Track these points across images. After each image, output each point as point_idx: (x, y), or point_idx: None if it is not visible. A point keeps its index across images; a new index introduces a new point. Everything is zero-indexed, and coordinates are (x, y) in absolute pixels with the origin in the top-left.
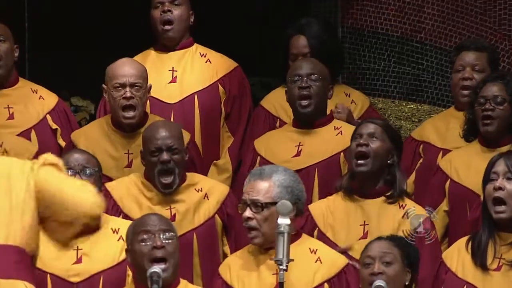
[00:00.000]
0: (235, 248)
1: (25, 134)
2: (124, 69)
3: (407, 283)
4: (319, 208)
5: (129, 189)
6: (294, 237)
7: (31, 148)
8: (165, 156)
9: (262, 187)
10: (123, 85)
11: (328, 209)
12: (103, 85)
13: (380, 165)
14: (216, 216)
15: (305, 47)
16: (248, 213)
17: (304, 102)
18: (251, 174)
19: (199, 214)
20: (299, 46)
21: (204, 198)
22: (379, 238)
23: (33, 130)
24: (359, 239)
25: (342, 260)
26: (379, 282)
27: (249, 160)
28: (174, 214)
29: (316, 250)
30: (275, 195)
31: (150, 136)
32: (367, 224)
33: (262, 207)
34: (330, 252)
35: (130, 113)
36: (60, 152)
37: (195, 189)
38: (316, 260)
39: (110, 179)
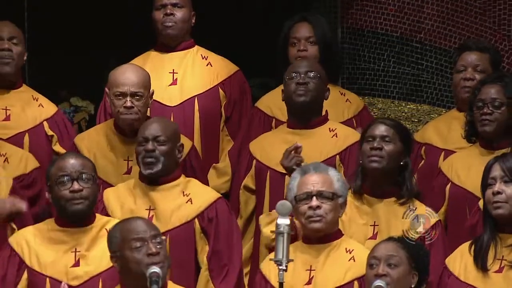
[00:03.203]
0: (212, 252)
1: (19, 137)
2: (125, 77)
3: (413, 286)
4: None
5: (120, 193)
6: (335, 235)
7: (31, 163)
8: (149, 146)
9: (326, 180)
10: (123, 94)
11: None
12: (106, 89)
13: (393, 167)
14: (196, 221)
15: (309, 32)
16: (315, 202)
17: (301, 91)
18: (306, 168)
19: (176, 217)
20: (303, 30)
21: (187, 202)
22: (388, 239)
23: (27, 134)
24: (368, 239)
25: None
26: (378, 282)
27: (244, 163)
28: (152, 216)
29: (352, 250)
30: (337, 188)
31: (141, 129)
32: (377, 225)
33: (331, 198)
34: (365, 252)
35: (130, 116)
36: (50, 153)
37: (182, 192)
38: (350, 259)
39: (109, 184)
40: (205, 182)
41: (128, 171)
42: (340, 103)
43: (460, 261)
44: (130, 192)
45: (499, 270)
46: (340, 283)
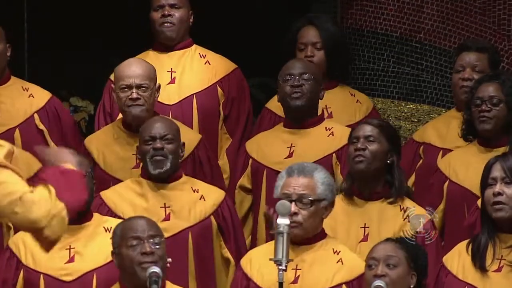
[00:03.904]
0: (235, 251)
1: (9, 133)
2: (130, 70)
3: (412, 286)
4: None
5: (122, 194)
6: (320, 236)
7: (35, 166)
8: (158, 144)
9: (308, 183)
10: (129, 87)
11: None
12: (112, 85)
13: (379, 167)
14: (212, 218)
15: (315, 37)
16: (294, 208)
17: (296, 95)
18: (291, 169)
19: (195, 213)
20: (309, 35)
21: (200, 199)
22: (386, 240)
23: (17, 130)
24: (360, 242)
25: (364, 265)
26: (378, 282)
27: (241, 162)
28: (169, 214)
29: (339, 251)
30: (320, 192)
31: (145, 128)
32: (368, 227)
33: (310, 203)
34: (352, 255)
35: (137, 108)
36: None
37: (192, 188)
38: (338, 261)
39: (118, 180)
40: (213, 175)
41: (137, 165)
42: (351, 104)
43: (458, 259)
44: (136, 191)
45: (498, 270)
46: (329, 285)
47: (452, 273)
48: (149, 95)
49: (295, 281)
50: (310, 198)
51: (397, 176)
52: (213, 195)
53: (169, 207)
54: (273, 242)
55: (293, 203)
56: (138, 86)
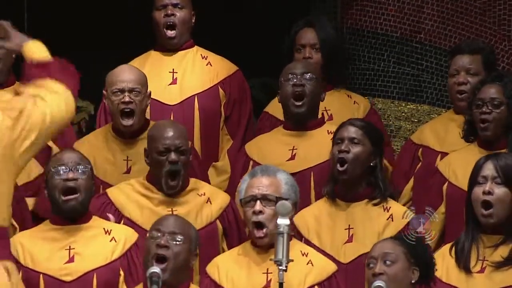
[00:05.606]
0: None
1: None
2: (123, 75)
3: (413, 281)
4: (302, 217)
5: (129, 194)
6: None
7: (35, 170)
8: (173, 156)
9: (271, 183)
10: (121, 90)
11: (312, 216)
12: (104, 91)
13: (362, 169)
14: (217, 221)
15: (314, 39)
16: (259, 206)
17: (298, 103)
18: (254, 171)
19: (201, 217)
20: (308, 37)
21: (206, 202)
22: (385, 239)
23: None
24: (345, 243)
25: (333, 266)
26: (378, 282)
27: (240, 165)
28: None
29: (307, 253)
30: (284, 192)
31: (159, 136)
32: (352, 228)
33: (275, 201)
34: (320, 256)
35: (129, 121)
36: (49, 154)
37: (198, 194)
38: (308, 263)
39: (109, 185)
40: (205, 181)
41: (128, 171)
42: (349, 106)
43: (442, 262)
44: (142, 194)
45: (481, 271)
46: (302, 287)
47: (436, 276)
48: (141, 99)
49: (267, 285)
50: (275, 196)
51: (380, 178)
52: (219, 199)
53: (176, 210)
54: (236, 248)
55: (258, 201)
56: (131, 90)
